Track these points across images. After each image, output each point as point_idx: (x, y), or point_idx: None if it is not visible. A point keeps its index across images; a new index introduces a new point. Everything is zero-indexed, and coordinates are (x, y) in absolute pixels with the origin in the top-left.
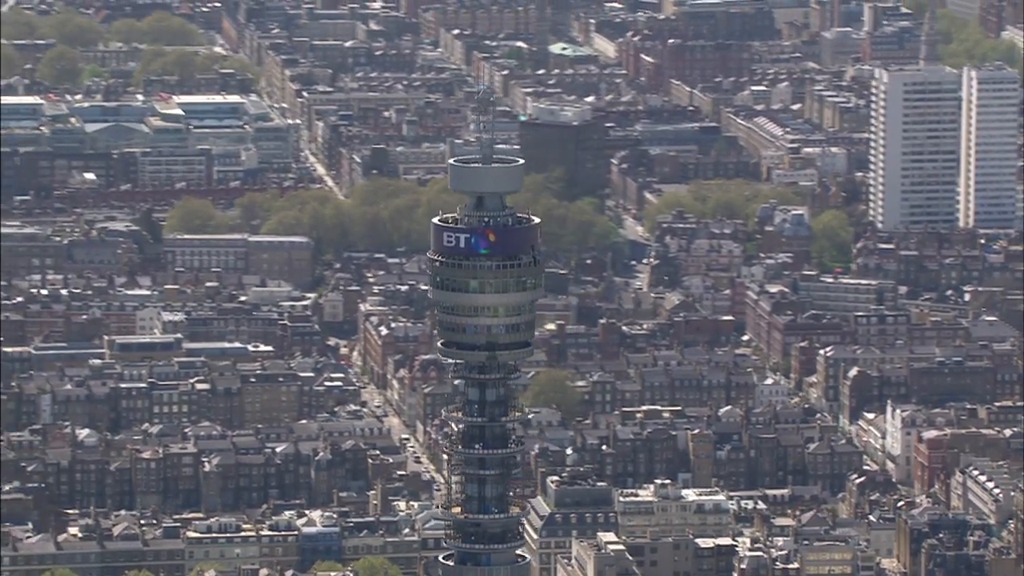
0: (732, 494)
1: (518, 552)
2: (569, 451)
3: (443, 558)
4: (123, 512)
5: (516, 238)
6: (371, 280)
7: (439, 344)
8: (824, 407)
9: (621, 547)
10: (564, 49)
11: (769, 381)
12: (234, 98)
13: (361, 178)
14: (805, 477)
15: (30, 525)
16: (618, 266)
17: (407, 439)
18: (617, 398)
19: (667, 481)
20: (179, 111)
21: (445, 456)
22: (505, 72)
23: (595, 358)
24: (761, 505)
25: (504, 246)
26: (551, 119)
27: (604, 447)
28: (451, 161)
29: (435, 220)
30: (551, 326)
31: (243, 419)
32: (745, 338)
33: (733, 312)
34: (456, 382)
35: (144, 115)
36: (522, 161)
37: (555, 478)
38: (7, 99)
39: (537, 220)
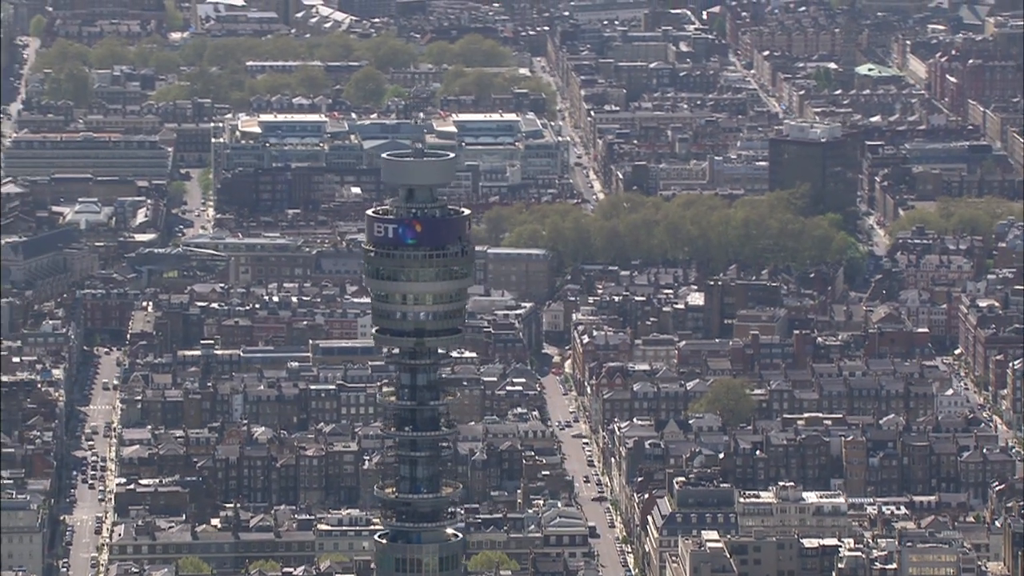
0: (878, 500)
1: (450, 531)
2: (696, 453)
3: (377, 536)
4: (283, 507)
5: (444, 229)
6: (599, 291)
7: (374, 331)
8: (1013, 420)
9: (720, 545)
10: (871, 70)
11: (950, 392)
12: (510, 116)
13: (622, 193)
14: (957, 485)
15: (183, 517)
16: (856, 281)
17: (587, 442)
18: (795, 406)
19: (790, 484)
20: (454, 128)
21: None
22: (801, 92)
23: (781, 367)
24: (904, 510)
25: (431, 236)
26: (800, 136)
27: (757, 452)
28: (384, 155)
29: (369, 212)
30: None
31: None
32: (958, 351)
33: (949, 326)
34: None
35: (421, 133)
36: (452, 156)
37: (680, 479)
38: (293, 117)
39: (467, 212)
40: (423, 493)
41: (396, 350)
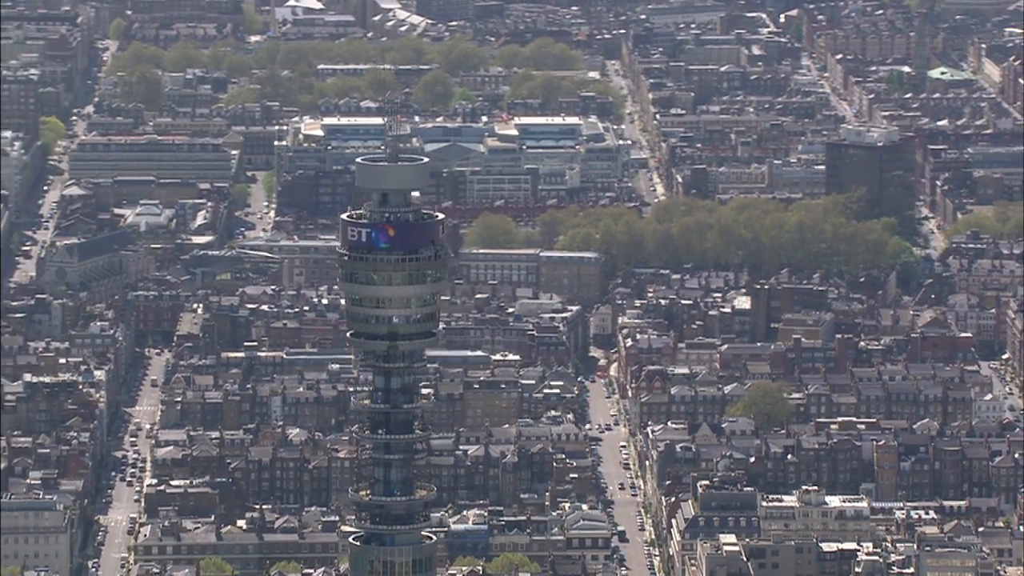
0: (907, 504)
1: (423, 533)
2: (720, 458)
3: (352, 538)
4: (313, 508)
5: (417, 233)
6: (650, 294)
7: (348, 334)
8: None
9: (736, 548)
10: (943, 73)
11: (988, 397)
12: (572, 120)
13: (681, 197)
14: (988, 489)
15: (212, 518)
16: (911, 285)
17: (624, 445)
18: (832, 410)
19: (814, 488)
20: (515, 132)
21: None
22: (871, 95)
23: (820, 371)
24: (933, 515)
25: (404, 241)
26: (857, 140)
27: (788, 456)
28: (358, 160)
29: (343, 216)
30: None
31: (464, 423)
32: (1005, 356)
33: (997, 331)
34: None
35: (482, 136)
36: (426, 160)
37: (704, 482)
38: (357, 120)
39: (440, 216)
40: (396, 496)
41: (370, 353)
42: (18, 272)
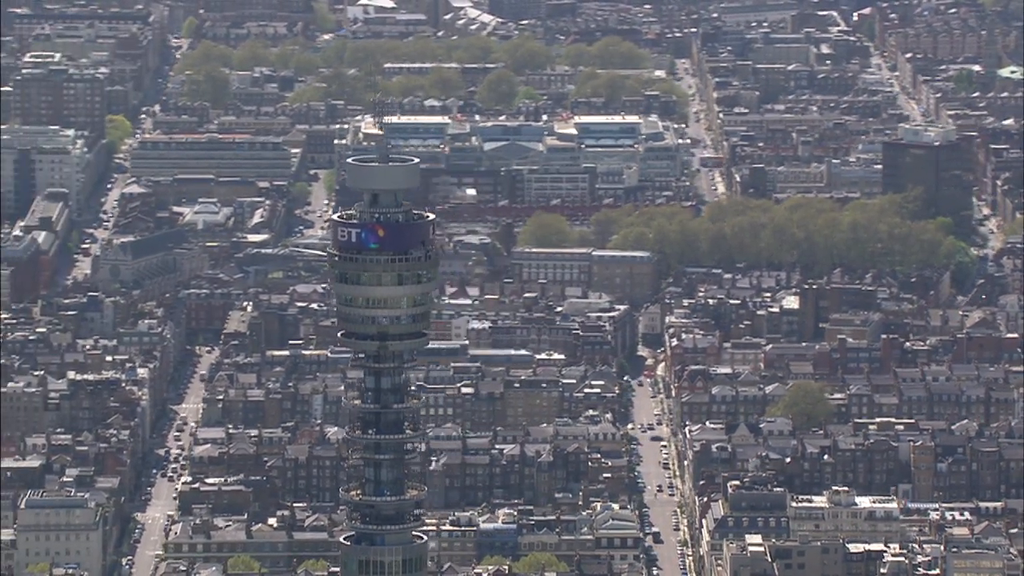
0: (943, 505)
1: (415, 533)
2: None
3: (343, 538)
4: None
5: (407, 234)
6: (701, 293)
7: (339, 334)
8: None
9: (761, 549)
10: (1012, 72)
11: None
12: (632, 119)
13: (739, 196)
14: None
15: (245, 515)
16: (965, 285)
17: (665, 445)
18: (874, 411)
19: (844, 488)
20: (574, 131)
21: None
22: (938, 95)
23: (864, 371)
24: (967, 516)
25: (394, 241)
26: (914, 139)
27: (825, 456)
28: (349, 160)
29: (334, 216)
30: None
31: (504, 422)
32: None
33: None
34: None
35: (541, 135)
36: (416, 161)
37: (734, 482)
38: (417, 119)
39: (431, 216)
40: (386, 496)
41: (361, 354)
42: (75, 270)
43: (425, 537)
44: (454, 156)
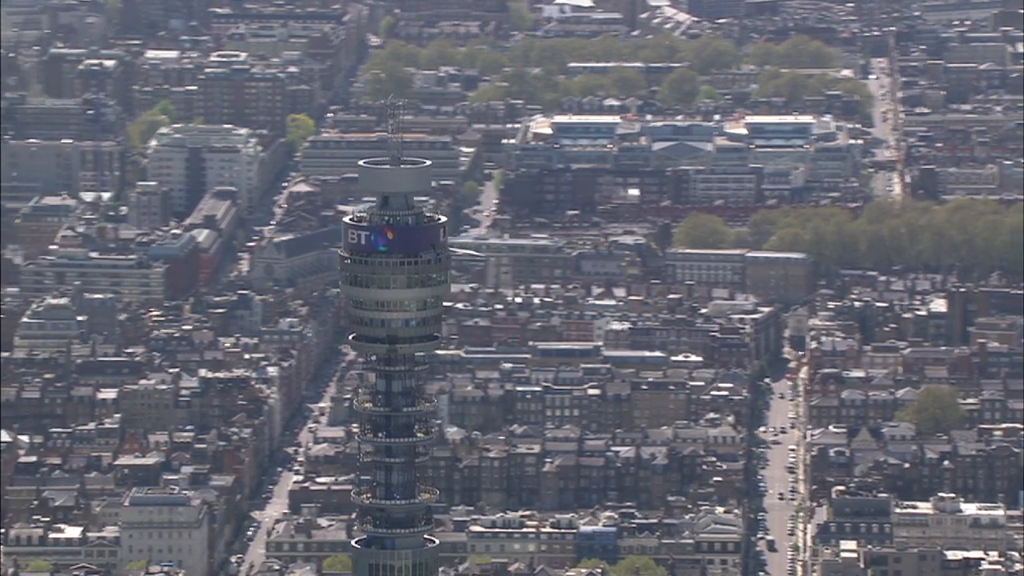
0: None
1: (426, 536)
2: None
3: (355, 541)
4: (460, 507)
5: (417, 236)
6: (853, 295)
7: (350, 337)
8: None
9: (854, 555)
10: None
11: None
12: (805, 118)
13: (907, 197)
14: None
15: (352, 516)
16: None
17: (793, 449)
18: (1006, 416)
19: (950, 495)
20: (744, 131)
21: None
22: None
23: (1001, 376)
24: None
25: (404, 244)
26: None
27: (944, 462)
28: (361, 163)
29: (345, 219)
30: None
31: (631, 424)
32: None
33: None
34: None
35: (712, 135)
36: (428, 163)
37: (839, 487)
38: (587, 118)
39: (442, 219)
40: (397, 499)
41: (373, 357)
42: (237, 267)
43: (437, 540)
44: (622, 156)
